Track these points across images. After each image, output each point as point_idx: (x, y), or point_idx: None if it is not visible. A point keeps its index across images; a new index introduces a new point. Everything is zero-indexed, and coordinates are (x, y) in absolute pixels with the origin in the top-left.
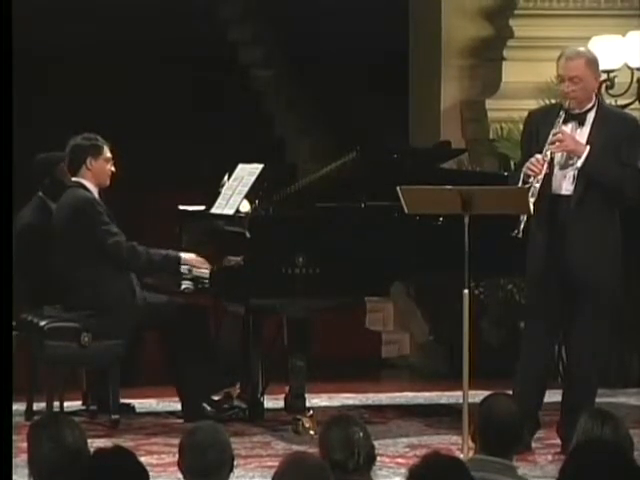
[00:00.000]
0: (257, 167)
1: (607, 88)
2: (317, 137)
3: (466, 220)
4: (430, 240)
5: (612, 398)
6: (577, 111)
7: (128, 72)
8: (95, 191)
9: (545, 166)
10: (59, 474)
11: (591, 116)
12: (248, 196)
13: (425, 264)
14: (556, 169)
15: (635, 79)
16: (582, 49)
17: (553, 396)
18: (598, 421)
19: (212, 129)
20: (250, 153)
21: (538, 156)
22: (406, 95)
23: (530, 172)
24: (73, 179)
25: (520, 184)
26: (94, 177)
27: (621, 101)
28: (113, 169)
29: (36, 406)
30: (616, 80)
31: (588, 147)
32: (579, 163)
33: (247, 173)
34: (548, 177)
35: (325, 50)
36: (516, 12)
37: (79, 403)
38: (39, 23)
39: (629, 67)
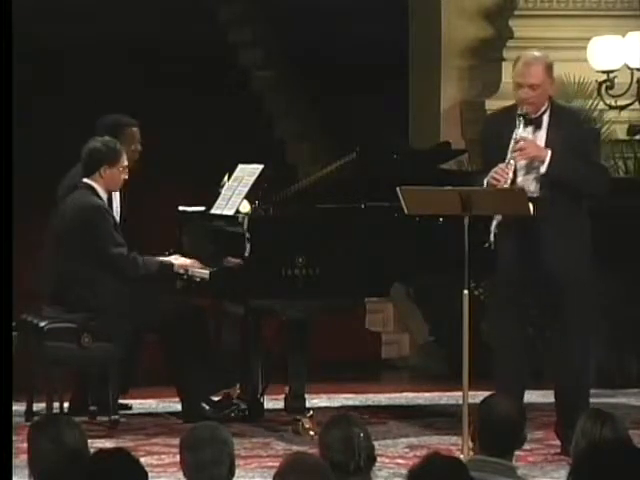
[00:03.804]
0: (257, 167)
1: (607, 88)
2: (317, 138)
3: (466, 221)
4: (430, 240)
5: (612, 398)
6: (533, 115)
7: (128, 73)
8: (104, 195)
9: (510, 174)
10: (59, 475)
11: (546, 118)
12: (248, 196)
13: (425, 264)
14: (520, 174)
15: (635, 79)
16: (539, 54)
17: (552, 397)
18: (597, 422)
19: (212, 129)
20: (250, 153)
21: (502, 165)
22: (406, 95)
23: (495, 182)
24: (84, 180)
25: None
26: (105, 183)
27: (621, 101)
28: (126, 176)
29: (36, 406)
30: (616, 80)
31: (549, 151)
32: (543, 169)
33: (247, 174)
34: (512, 183)
35: (325, 50)
36: (516, 12)
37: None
38: (39, 23)
39: (629, 67)
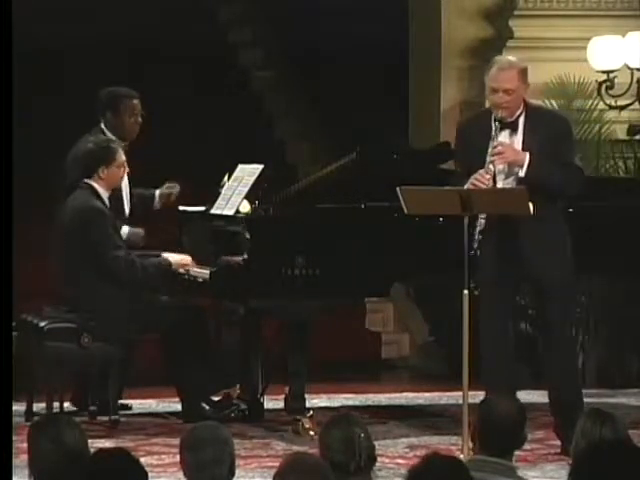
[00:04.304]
0: (257, 167)
1: (607, 88)
2: (317, 138)
3: (466, 221)
4: (430, 240)
5: (612, 398)
6: (509, 119)
7: (128, 73)
8: (106, 195)
9: (490, 180)
10: (59, 475)
11: (522, 121)
12: (248, 196)
13: (425, 264)
14: (498, 178)
15: (635, 79)
16: (513, 59)
17: None
18: (597, 422)
19: (212, 130)
20: (250, 153)
21: (481, 171)
22: (406, 95)
23: (475, 188)
24: (85, 181)
25: None
26: (106, 183)
27: (621, 101)
28: (127, 170)
29: (36, 406)
30: (616, 80)
31: (528, 155)
32: (522, 173)
33: (247, 173)
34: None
35: (325, 50)
36: (516, 12)
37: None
38: (39, 23)
39: (629, 67)
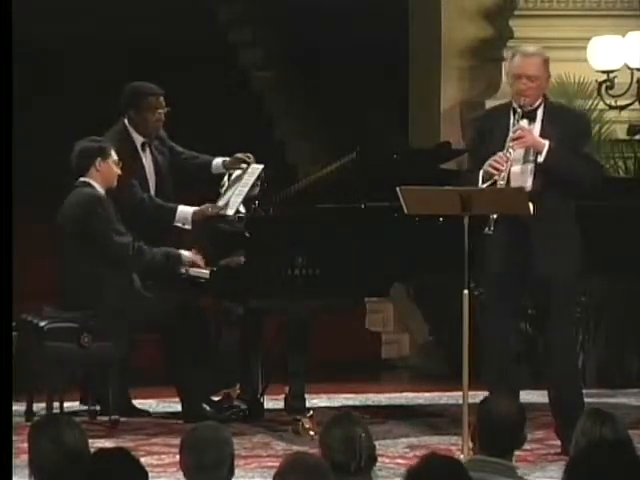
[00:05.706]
0: (257, 167)
1: (607, 88)
2: (317, 138)
3: (466, 220)
4: (430, 240)
5: (612, 398)
6: (528, 108)
7: (128, 73)
8: (102, 191)
9: (509, 163)
10: (59, 475)
11: (540, 112)
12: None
13: (425, 264)
14: (517, 164)
15: (635, 79)
16: (536, 48)
17: None
18: (597, 421)
19: (212, 130)
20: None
21: (500, 154)
22: (406, 95)
23: (494, 170)
24: (80, 179)
25: (481, 183)
26: (102, 178)
27: (621, 101)
28: (119, 172)
29: (36, 406)
30: (616, 80)
31: (547, 142)
32: (540, 159)
33: (247, 174)
34: (508, 175)
35: (325, 50)
36: (516, 12)
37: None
38: (39, 23)
39: (629, 67)
